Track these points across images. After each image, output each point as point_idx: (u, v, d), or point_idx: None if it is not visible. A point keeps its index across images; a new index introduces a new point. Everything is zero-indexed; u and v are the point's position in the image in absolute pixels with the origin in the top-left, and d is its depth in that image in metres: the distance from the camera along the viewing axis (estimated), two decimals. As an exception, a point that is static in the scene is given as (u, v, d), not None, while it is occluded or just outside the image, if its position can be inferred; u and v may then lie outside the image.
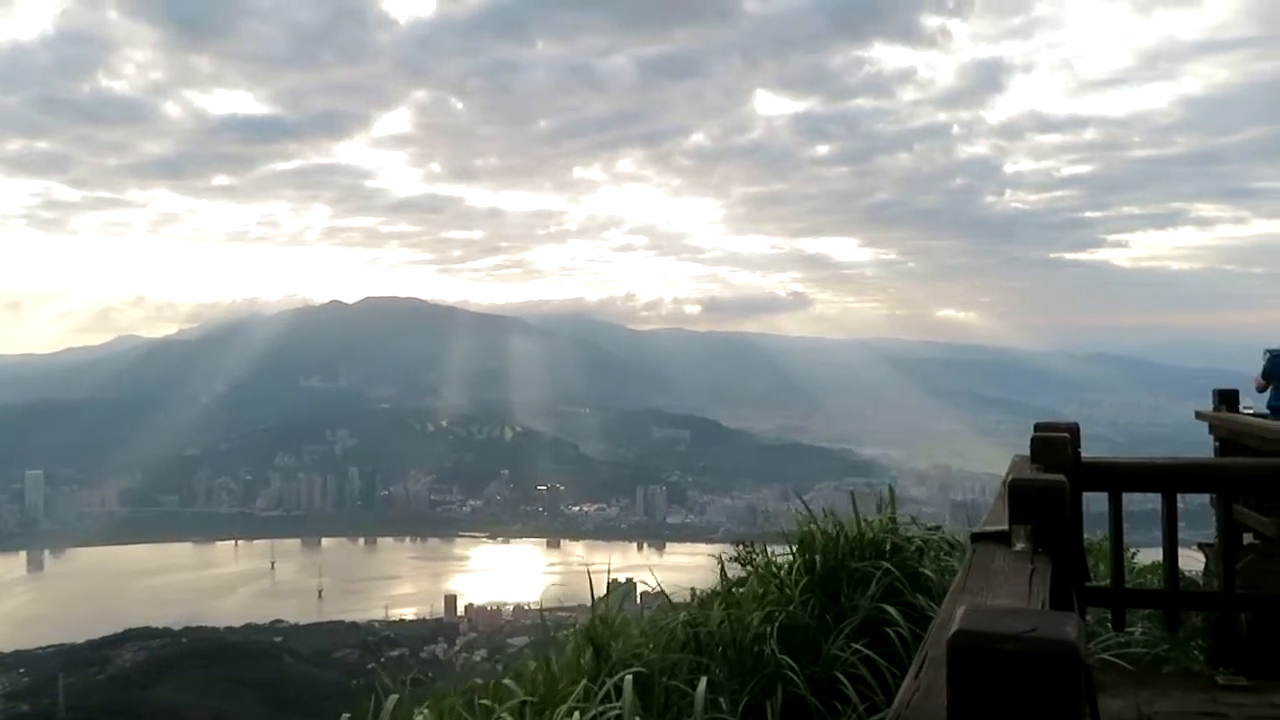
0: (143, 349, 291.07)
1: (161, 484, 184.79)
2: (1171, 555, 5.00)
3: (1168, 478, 5.04)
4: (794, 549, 6.12)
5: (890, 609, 5.19)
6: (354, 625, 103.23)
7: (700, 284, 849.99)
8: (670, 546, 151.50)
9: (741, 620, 5.07)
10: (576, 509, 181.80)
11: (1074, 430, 4.88)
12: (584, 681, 4.45)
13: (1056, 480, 3.26)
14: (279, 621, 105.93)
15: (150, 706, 70.28)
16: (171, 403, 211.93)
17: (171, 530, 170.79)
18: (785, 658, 4.85)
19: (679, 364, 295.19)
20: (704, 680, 4.47)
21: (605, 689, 4.26)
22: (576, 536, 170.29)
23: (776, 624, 5.06)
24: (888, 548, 5.97)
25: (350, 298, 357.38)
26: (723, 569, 6.50)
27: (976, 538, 3.25)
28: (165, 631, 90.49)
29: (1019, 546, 3.04)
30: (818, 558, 5.69)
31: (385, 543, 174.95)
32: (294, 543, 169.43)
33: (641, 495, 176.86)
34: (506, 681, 4.75)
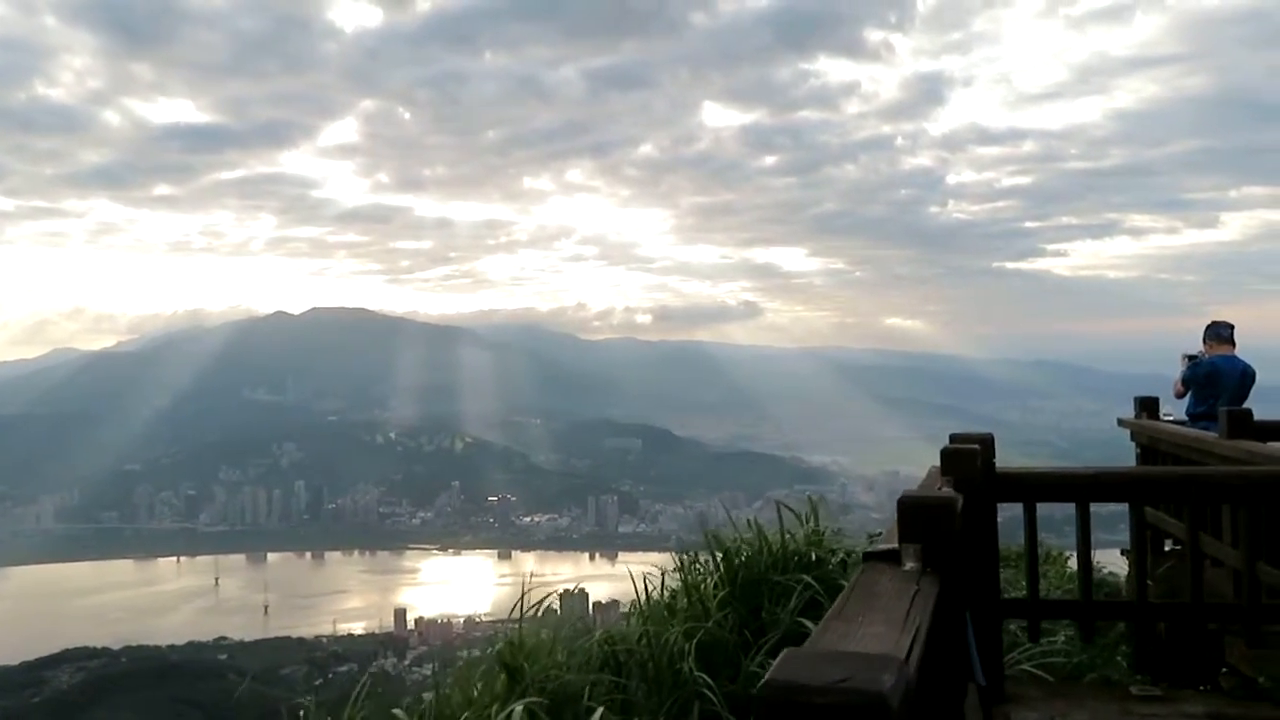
0: (80, 362, 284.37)
1: (100, 500, 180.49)
2: (1085, 565, 5.08)
3: (1080, 488, 5.12)
4: (718, 560, 6.10)
5: (809, 623, 5.19)
6: (301, 641, 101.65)
7: (651, 293, 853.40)
8: (622, 556, 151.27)
9: (659, 637, 5.03)
10: (528, 519, 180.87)
11: (987, 441, 4.93)
12: (495, 707, 4.39)
13: (946, 497, 3.24)
14: (223, 639, 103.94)
15: (89, 728, 68.60)
16: (110, 417, 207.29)
17: (111, 547, 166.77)
18: (703, 675, 4.83)
19: (630, 373, 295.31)
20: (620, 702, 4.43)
21: (512, 715, 4.20)
22: (528, 547, 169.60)
23: (695, 640, 5.03)
24: (811, 559, 5.98)
25: (296, 308, 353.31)
26: (663, 580, 6.44)
27: (868, 557, 3.21)
28: (104, 651, 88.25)
29: (908, 566, 3.03)
30: (739, 571, 5.67)
31: (333, 556, 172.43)
32: (239, 558, 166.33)
33: (593, 505, 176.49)
34: (396, 712, 4.65)
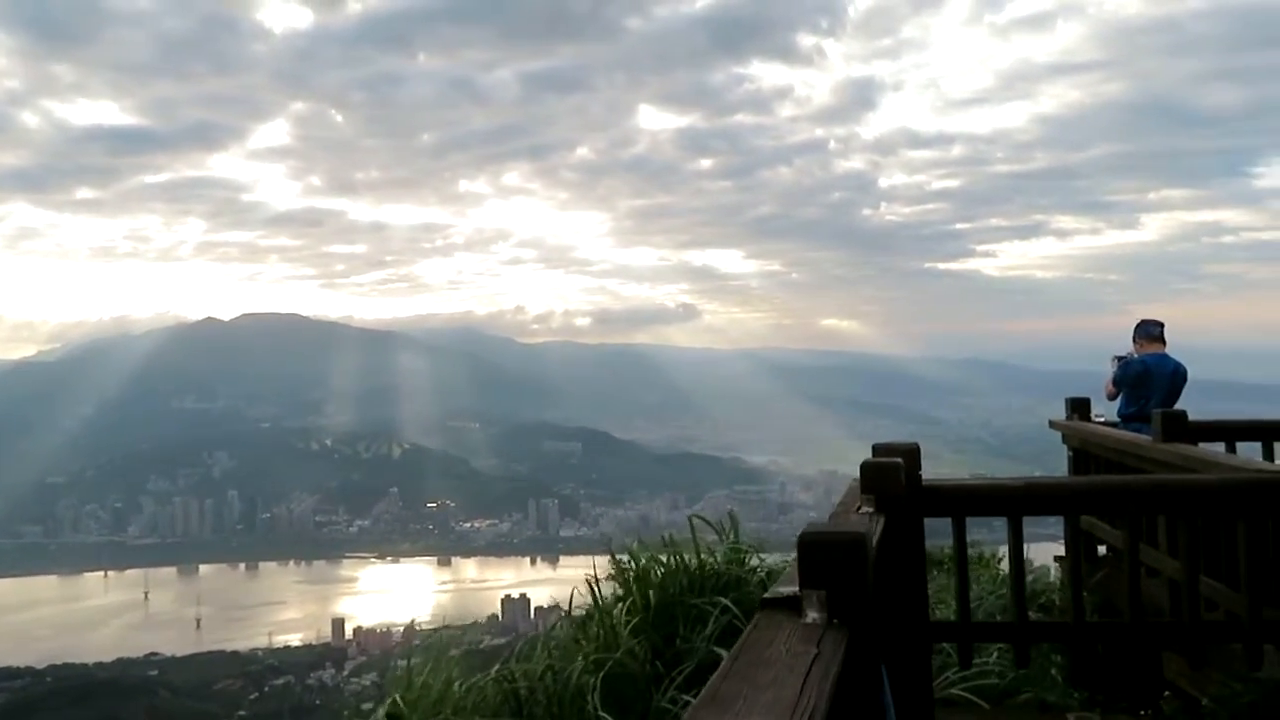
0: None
1: (22, 514, 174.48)
2: (1019, 584, 4.76)
3: (1012, 501, 4.80)
4: (631, 582, 5.64)
5: (724, 652, 4.76)
6: (236, 654, 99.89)
7: (590, 296, 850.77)
8: (564, 560, 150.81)
9: (563, 672, 4.57)
10: (468, 525, 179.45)
11: (912, 452, 4.57)
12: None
13: (853, 534, 2.67)
14: (154, 654, 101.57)
15: (13, 752, 66.52)
16: (32, 427, 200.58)
17: (34, 563, 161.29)
18: (606, 715, 4.38)
19: (569, 376, 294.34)
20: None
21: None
22: (468, 553, 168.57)
23: (600, 674, 4.58)
24: (731, 579, 5.56)
25: (227, 315, 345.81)
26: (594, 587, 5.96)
27: (765, 604, 2.68)
28: (28, 670, 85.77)
29: (809, 618, 2.54)
30: (651, 593, 5.23)
31: (268, 567, 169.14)
32: (169, 571, 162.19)
33: (534, 509, 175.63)
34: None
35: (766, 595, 2.75)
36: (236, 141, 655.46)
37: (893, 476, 3.98)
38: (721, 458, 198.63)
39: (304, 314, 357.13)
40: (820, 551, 2.67)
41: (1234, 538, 5.12)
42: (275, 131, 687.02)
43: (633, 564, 5.88)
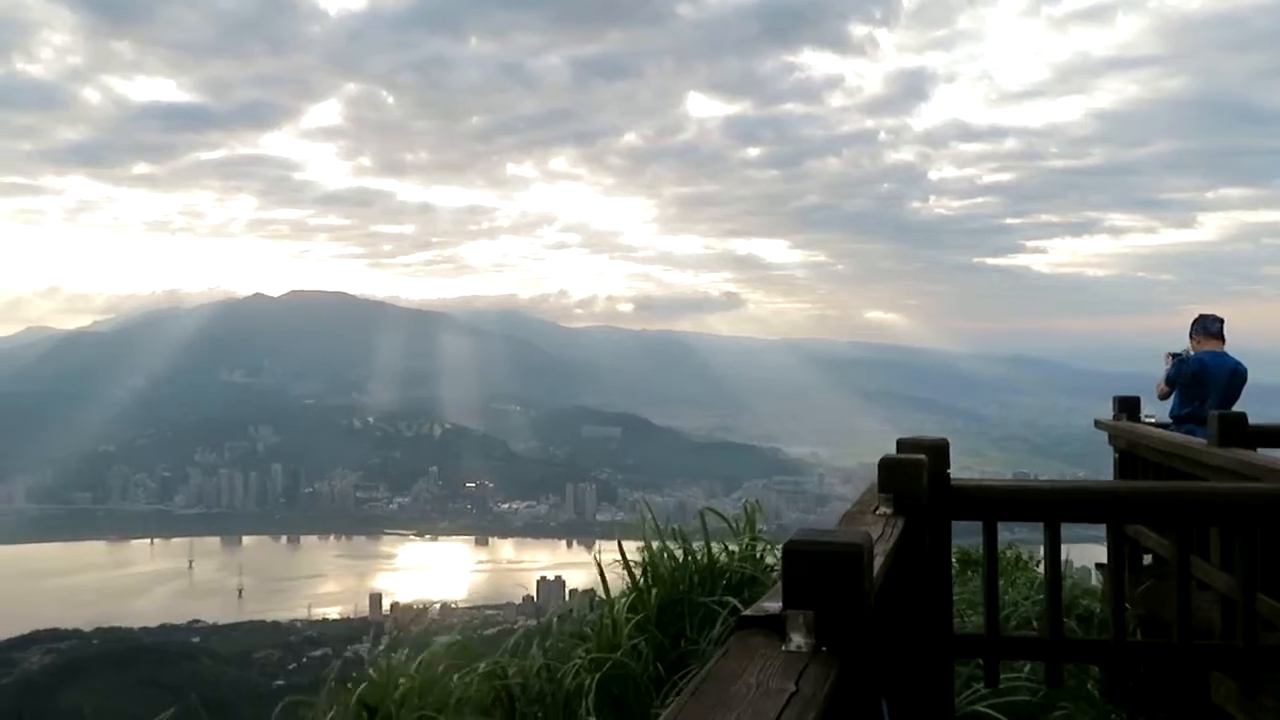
0: (54, 341, 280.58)
1: (74, 481, 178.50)
2: (1055, 596, 4.35)
3: (1050, 506, 4.40)
4: (643, 575, 5.29)
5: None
6: (275, 625, 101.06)
7: (633, 282, 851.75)
8: (600, 544, 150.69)
9: (557, 671, 4.25)
10: (505, 506, 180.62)
11: (939, 449, 4.16)
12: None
13: (850, 544, 2.17)
14: (197, 622, 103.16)
15: (59, 711, 67.59)
16: (85, 397, 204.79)
17: (84, 529, 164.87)
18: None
19: (610, 362, 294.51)
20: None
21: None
22: (505, 534, 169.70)
23: (598, 676, 4.24)
24: (744, 577, 5.20)
25: (275, 291, 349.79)
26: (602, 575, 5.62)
27: (742, 624, 2.21)
28: (75, 633, 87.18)
29: (793, 643, 2.07)
30: (657, 590, 4.88)
31: (309, 541, 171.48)
32: (213, 541, 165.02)
33: (571, 493, 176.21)
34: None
35: (745, 613, 2.27)
36: (289, 121, 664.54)
37: (913, 475, 3.58)
38: (760, 448, 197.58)
39: (351, 293, 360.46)
40: (809, 564, 2.18)
41: (1295, 553, 4.68)
42: (327, 112, 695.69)
43: (649, 554, 5.55)
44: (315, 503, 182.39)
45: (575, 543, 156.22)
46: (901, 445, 4.05)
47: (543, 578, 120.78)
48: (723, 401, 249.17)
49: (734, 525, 5.76)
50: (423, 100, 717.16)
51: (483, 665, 4.50)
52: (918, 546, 3.51)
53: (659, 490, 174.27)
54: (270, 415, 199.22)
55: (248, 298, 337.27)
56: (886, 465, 3.64)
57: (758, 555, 5.46)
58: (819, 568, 2.19)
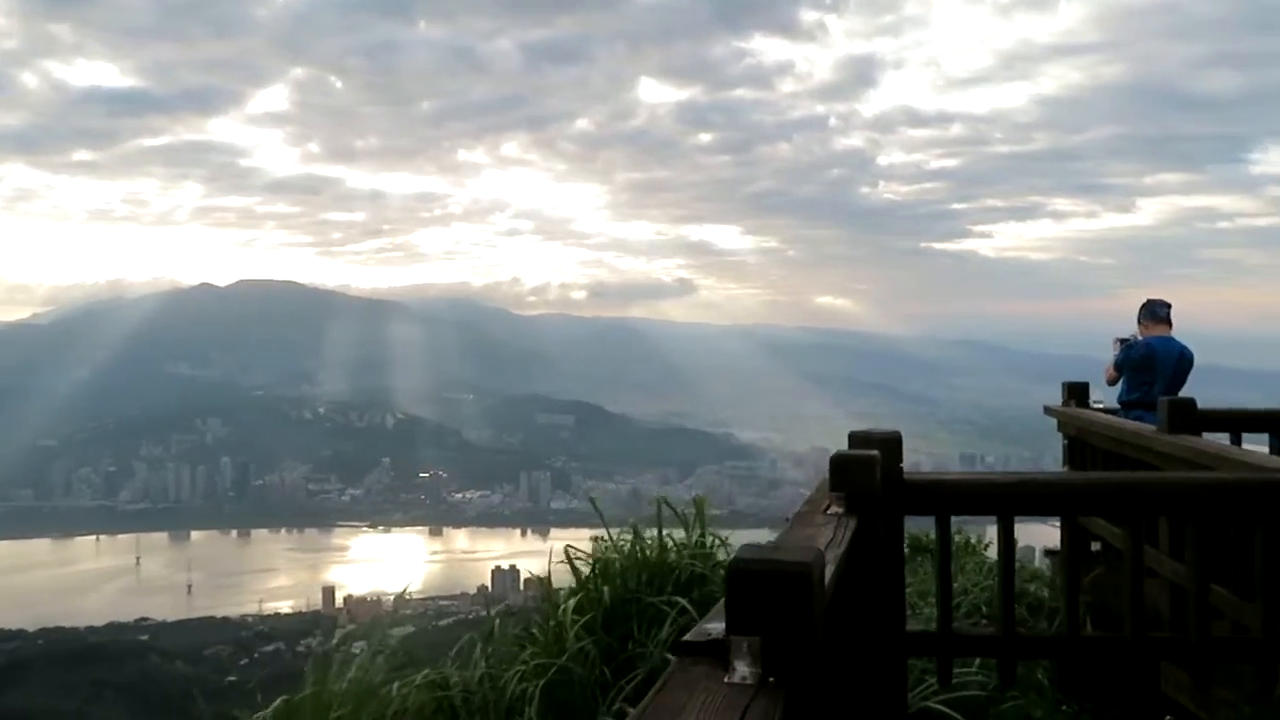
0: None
1: (14, 477, 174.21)
2: (1007, 591, 4.27)
3: (1004, 499, 4.31)
4: (592, 574, 5.13)
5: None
6: (226, 621, 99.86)
7: (586, 269, 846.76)
8: (554, 532, 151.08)
9: (497, 680, 4.08)
10: (459, 496, 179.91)
11: (891, 443, 4.05)
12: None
13: (798, 563, 1.96)
14: (145, 619, 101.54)
15: (4, 713, 66.10)
16: (24, 391, 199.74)
17: (26, 526, 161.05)
18: (544, 730, 3.90)
19: (564, 349, 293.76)
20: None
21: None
22: (459, 524, 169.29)
23: (541, 682, 4.08)
24: (695, 575, 5.06)
25: (223, 281, 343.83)
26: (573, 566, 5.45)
27: (683, 650, 2.02)
28: (19, 633, 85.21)
29: (739, 674, 1.88)
30: (606, 589, 4.73)
31: (259, 534, 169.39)
32: (161, 537, 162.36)
33: (525, 481, 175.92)
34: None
35: (686, 637, 2.07)
36: (235, 106, 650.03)
37: (866, 472, 3.47)
38: (713, 433, 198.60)
39: (300, 281, 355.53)
40: (755, 586, 1.95)
41: (1244, 541, 4.67)
42: (274, 97, 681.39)
43: (599, 551, 5.41)
44: (265, 495, 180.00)
45: (530, 531, 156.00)
46: (853, 439, 3.93)
47: (497, 567, 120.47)
48: (676, 388, 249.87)
49: (684, 518, 5.61)
50: (372, 85, 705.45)
51: (421, 675, 4.33)
52: (871, 546, 3.40)
53: (613, 477, 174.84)
54: (218, 407, 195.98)
55: (194, 287, 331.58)
56: (838, 463, 3.51)
57: (708, 550, 5.33)
58: (766, 590, 1.97)
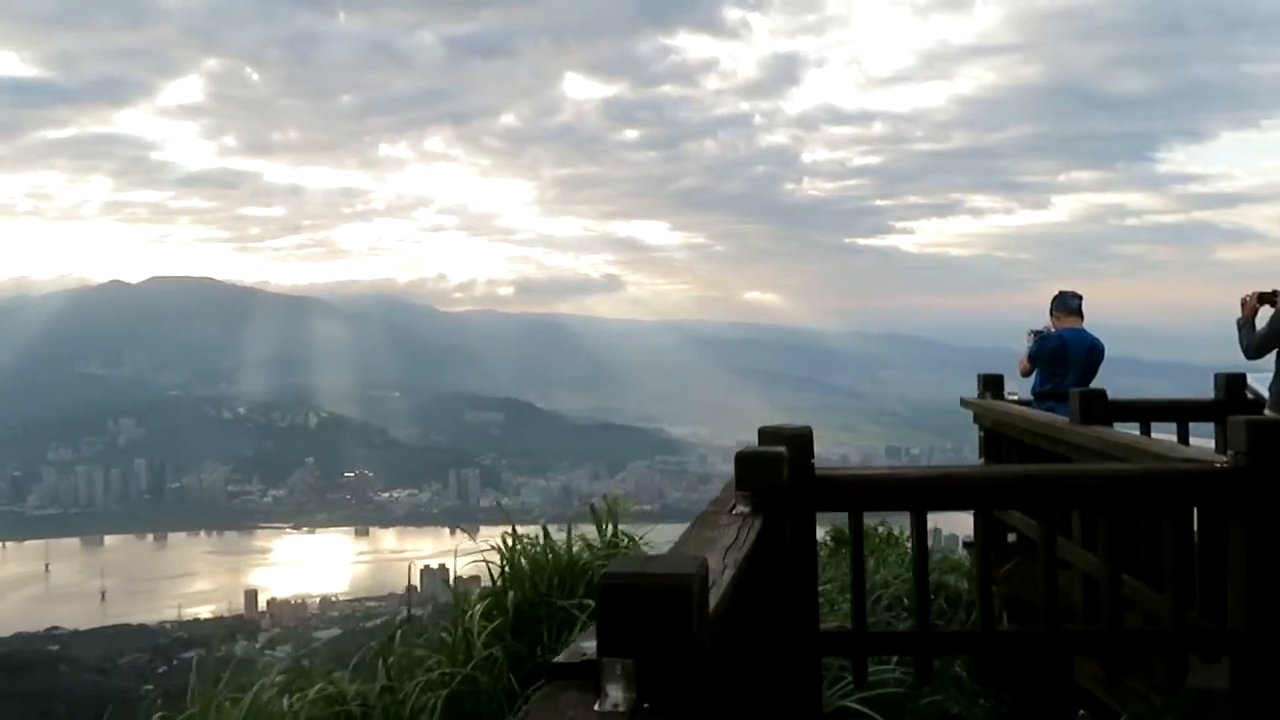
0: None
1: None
2: (922, 586, 4.20)
3: (918, 493, 4.25)
4: (501, 576, 4.93)
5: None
6: (142, 628, 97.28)
7: (513, 265, 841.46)
8: (484, 530, 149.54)
9: (398, 692, 3.87)
10: (386, 495, 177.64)
11: (801, 438, 3.93)
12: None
13: (675, 579, 1.76)
14: (56, 629, 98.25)
15: (-99, 731, 63.43)
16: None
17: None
18: (442, 745, 3.70)
19: (491, 346, 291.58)
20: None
21: None
22: (386, 523, 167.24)
23: (445, 693, 3.88)
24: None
25: (134, 277, 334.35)
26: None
27: (554, 673, 1.84)
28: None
29: (610, 700, 1.68)
30: (513, 593, 4.54)
31: (177, 538, 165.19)
32: (72, 542, 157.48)
33: (454, 479, 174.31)
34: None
35: (558, 658, 1.87)
36: (145, 98, 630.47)
37: (772, 469, 3.34)
38: (643, 428, 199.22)
39: (217, 278, 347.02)
40: (628, 603, 1.76)
41: (1153, 531, 4.68)
42: (187, 88, 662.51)
43: (509, 553, 5.21)
44: (183, 498, 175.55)
45: (459, 530, 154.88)
46: (762, 435, 3.81)
47: (426, 566, 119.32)
48: (605, 383, 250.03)
49: (599, 514, 5.44)
50: (290, 77, 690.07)
51: (314, 689, 4.09)
52: (778, 545, 3.28)
53: (544, 474, 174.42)
54: (132, 408, 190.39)
55: (103, 285, 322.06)
56: (743, 461, 3.37)
57: (621, 549, 5.18)
58: (640, 608, 1.76)
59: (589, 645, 1.88)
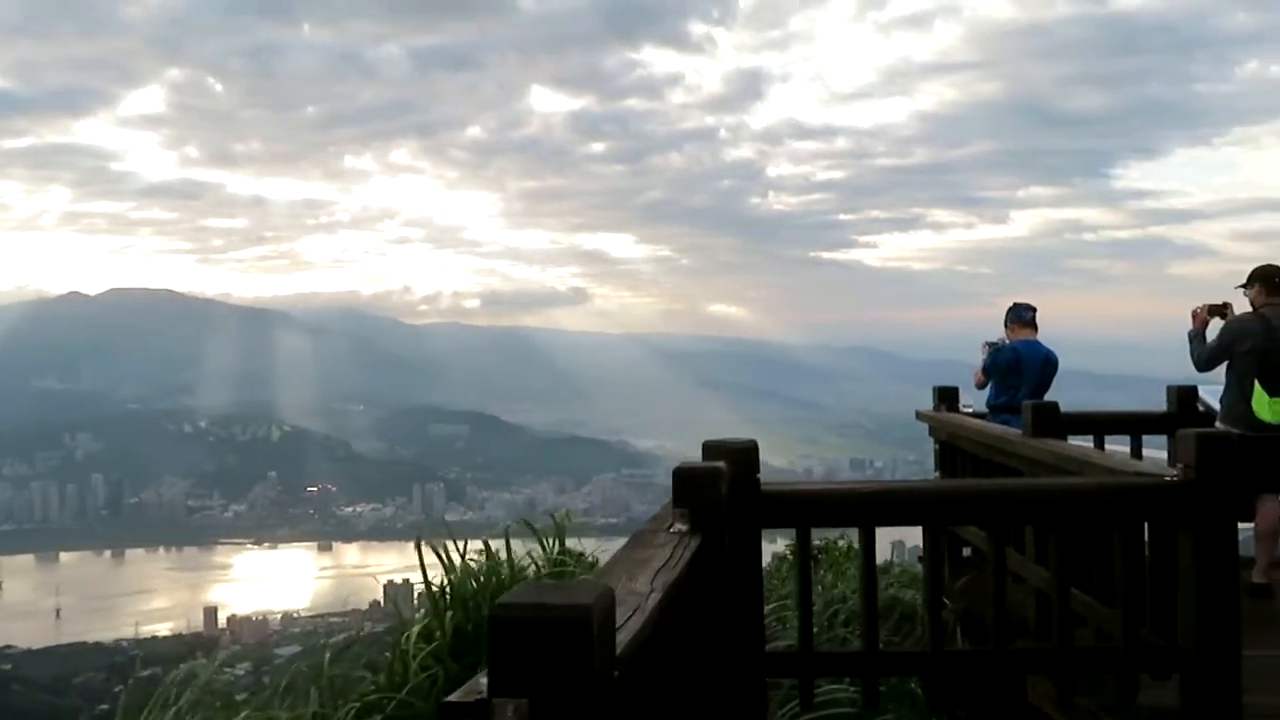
0: None
1: None
2: (871, 604, 4.11)
3: (866, 508, 4.16)
4: (442, 597, 4.78)
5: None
6: (99, 646, 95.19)
7: (479, 278, 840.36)
8: (448, 544, 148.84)
9: (329, 718, 3.72)
10: (350, 509, 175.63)
11: (745, 452, 3.83)
12: None
13: (573, 609, 1.61)
14: (8, 647, 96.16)
15: None
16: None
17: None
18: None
19: (457, 359, 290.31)
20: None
21: None
22: (350, 538, 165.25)
23: (378, 718, 3.74)
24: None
25: (93, 289, 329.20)
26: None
27: (444, 713, 1.65)
28: None
29: None
30: (452, 614, 4.39)
31: (135, 554, 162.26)
32: (27, 559, 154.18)
33: (419, 493, 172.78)
34: None
35: (451, 697, 1.67)
36: (106, 108, 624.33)
37: (710, 486, 3.21)
38: (609, 441, 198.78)
39: (177, 290, 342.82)
40: (520, 639, 1.61)
41: (1105, 546, 4.63)
42: (149, 99, 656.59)
43: (450, 573, 5.06)
44: (141, 513, 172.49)
45: (423, 544, 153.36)
46: (706, 450, 3.70)
47: (390, 581, 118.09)
48: (571, 397, 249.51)
49: (542, 539, 5.31)
50: (254, 88, 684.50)
51: (240, 717, 3.91)
52: (717, 564, 3.16)
53: (509, 487, 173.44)
54: (89, 422, 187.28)
55: (61, 296, 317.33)
56: (680, 477, 3.24)
57: (567, 566, 5.05)
58: (533, 642, 1.61)
59: (481, 685, 1.72)
